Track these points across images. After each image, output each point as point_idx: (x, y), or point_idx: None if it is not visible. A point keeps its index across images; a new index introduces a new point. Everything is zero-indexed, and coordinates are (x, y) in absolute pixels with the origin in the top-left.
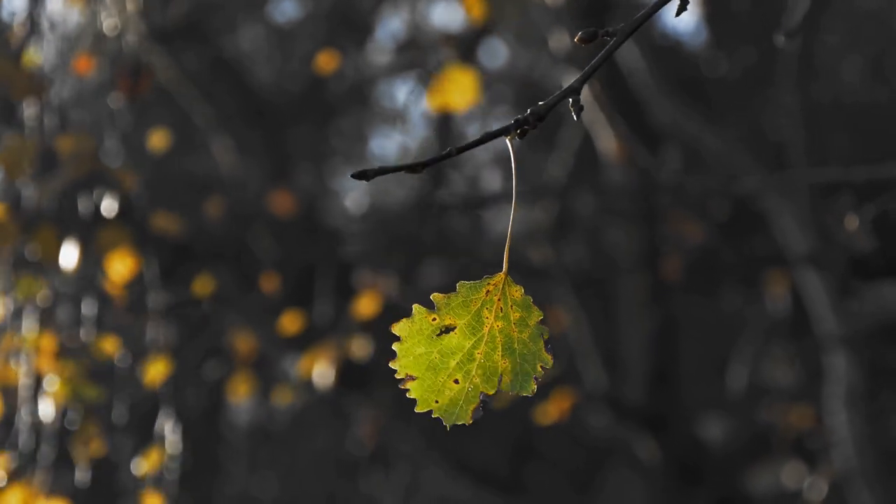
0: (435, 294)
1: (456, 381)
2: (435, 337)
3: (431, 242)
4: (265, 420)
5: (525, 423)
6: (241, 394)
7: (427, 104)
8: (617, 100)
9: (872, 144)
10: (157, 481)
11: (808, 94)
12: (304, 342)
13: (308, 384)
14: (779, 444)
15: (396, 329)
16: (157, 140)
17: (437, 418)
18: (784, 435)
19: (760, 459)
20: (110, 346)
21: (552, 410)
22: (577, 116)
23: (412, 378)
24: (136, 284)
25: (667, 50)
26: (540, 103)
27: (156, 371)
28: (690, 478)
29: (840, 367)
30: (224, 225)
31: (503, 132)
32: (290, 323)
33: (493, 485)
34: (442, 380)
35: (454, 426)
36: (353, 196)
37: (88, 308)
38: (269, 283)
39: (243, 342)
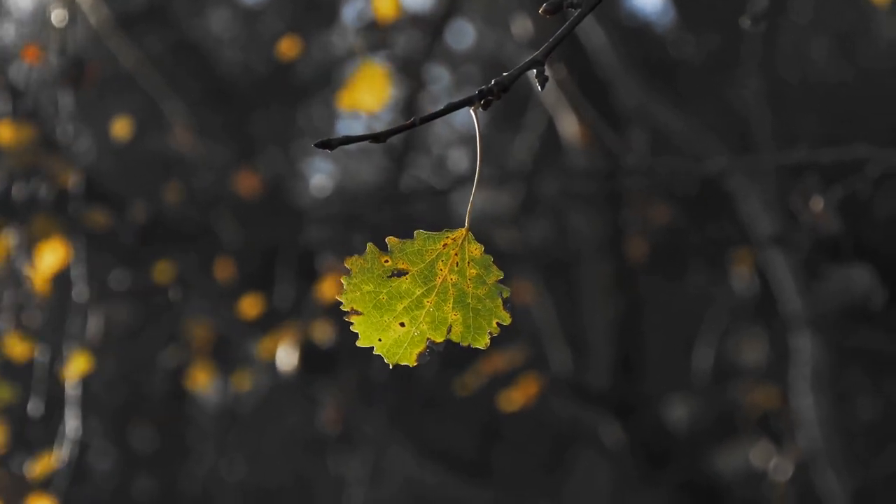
0: (390, 237)
1: (402, 325)
2: (385, 278)
3: (396, 226)
4: (232, 402)
5: (491, 406)
6: (200, 382)
7: (336, 103)
8: (582, 82)
9: (840, 125)
10: (48, 484)
11: (775, 75)
12: (267, 325)
13: (271, 367)
14: (745, 425)
15: (347, 262)
16: (120, 127)
17: (403, 403)
18: (750, 415)
19: (727, 441)
20: (22, 347)
21: (518, 396)
22: (542, 87)
23: (357, 313)
24: (66, 276)
25: (633, 31)
26: (504, 74)
27: (76, 367)
28: (657, 461)
29: (806, 349)
30: (187, 207)
31: (467, 102)
32: (251, 306)
33: (459, 469)
34: (387, 320)
35: (422, 408)
36: (319, 179)
37: (9, 298)
38: (225, 270)
39: (202, 330)
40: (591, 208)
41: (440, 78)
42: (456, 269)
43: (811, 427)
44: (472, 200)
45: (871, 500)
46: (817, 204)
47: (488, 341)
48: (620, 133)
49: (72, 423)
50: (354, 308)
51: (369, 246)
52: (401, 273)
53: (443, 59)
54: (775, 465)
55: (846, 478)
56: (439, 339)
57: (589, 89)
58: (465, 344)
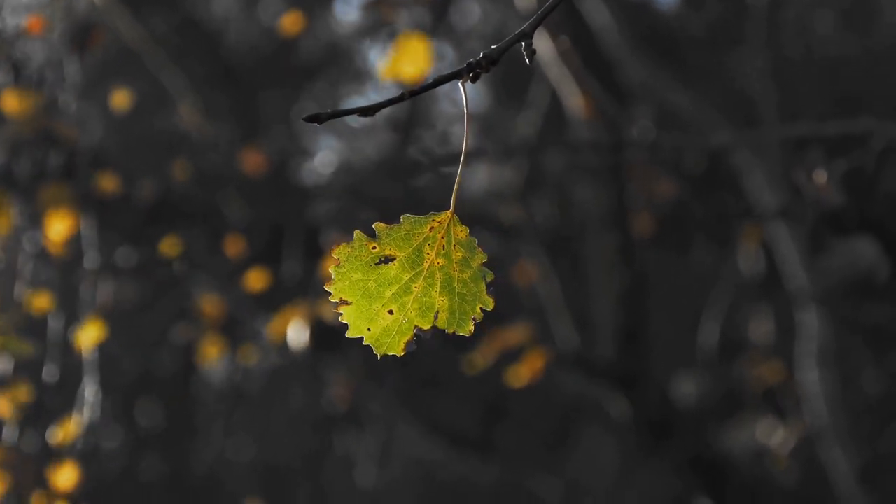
0: (377, 223)
1: (390, 312)
2: (373, 265)
3: (402, 201)
4: (240, 381)
5: (497, 383)
6: (210, 357)
7: (380, 74)
8: (586, 58)
9: (845, 100)
10: (72, 450)
11: (779, 49)
12: (274, 303)
13: (282, 345)
14: (750, 400)
15: (335, 252)
16: (120, 99)
17: (410, 381)
18: (755, 391)
19: (733, 416)
20: (43, 302)
21: (524, 371)
22: (530, 60)
23: (346, 303)
24: (76, 244)
25: (637, 7)
26: (493, 47)
27: (89, 334)
28: (662, 435)
29: (812, 324)
30: (193, 185)
31: (455, 76)
32: (256, 281)
33: (465, 445)
34: (376, 308)
35: (433, 387)
36: (324, 155)
37: (24, 263)
38: (235, 246)
39: (211, 304)
40: (596, 182)
41: (445, 55)
42: (443, 252)
43: (817, 402)
44: (457, 181)
45: (878, 476)
46: (821, 177)
47: (472, 328)
48: (625, 109)
49: (91, 387)
50: (343, 298)
51: (356, 233)
52: (388, 259)
53: (447, 36)
54: (781, 440)
55: (852, 453)
56: (426, 327)
57: (594, 65)
58: (450, 331)
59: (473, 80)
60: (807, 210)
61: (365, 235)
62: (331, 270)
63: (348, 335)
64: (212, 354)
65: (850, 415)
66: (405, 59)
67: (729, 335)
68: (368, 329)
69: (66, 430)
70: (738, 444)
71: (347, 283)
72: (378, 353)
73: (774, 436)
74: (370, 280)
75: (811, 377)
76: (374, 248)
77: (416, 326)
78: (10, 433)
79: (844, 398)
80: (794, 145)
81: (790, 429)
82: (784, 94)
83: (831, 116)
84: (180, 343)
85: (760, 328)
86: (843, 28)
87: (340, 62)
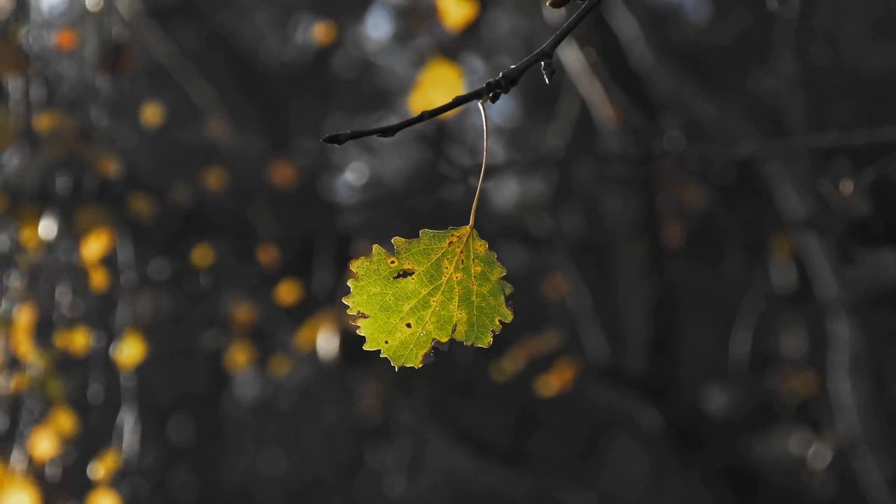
0: (397, 238)
1: (408, 325)
2: (392, 279)
3: (431, 213)
4: (270, 395)
5: (527, 393)
6: (239, 364)
7: (409, 104)
8: (615, 69)
9: (873, 108)
10: (114, 483)
11: (807, 58)
12: (304, 314)
13: (311, 356)
14: (783, 411)
15: (354, 266)
16: (151, 114)
17: (440, 391)
18: (788, 402)
19: (765, 427)
20: (82, 337)
21: (554, 382)
22: (549, 80)
23: (364, 316)
24: (112, 264)
25: (665, 18)
26: (512, 66)
27: (129, 354)
28: (693, 446)
29: (843, 333)
30: (224, 197)
31: (475, 96)
32: (287, 293)
33: (496, 456)
34: (394, 321)
35: (463, 398)
36: (354, 167)
37: (64, 294)
38: (267, 255)
39: (242, 312)
40: (626, 193)
41: (475, 69)
42: (461, 266)
43: (850, 413)
44: (476, 197)
45: None
46: (848, 187)
47: (491, 340)
48: (654, 120)
49: (129, 416)
50: (361, 311)
51: (375, 248)
52: (407, 273)
53: (477, 49)
54: (814, 451)
55: (885, 462)
56: (444, 339)
57: (622, 77)
58: (468, 343)
59: (493, 100)
60: (835, 220)
61: (384, 250)
62: (349, 284)
63: (365, 347)
64: (241, 361)
65: (883, 424)
66: (435, 88)
67: (760, 345)
68: (386, 342)
69: (107, 464)
70: (770, 455)
71: (365, 296)
72: (395, 365)
73: (808, 447)
74: (388, 294)
75: (843, 387)
76: (393, 262)
77: (434, 339)
78: (54, 468)
79: (877, 407)
80: (822, 154)
81: (824, 440)
82: (812, 103)
83: (859, 126)
84: (211, 352)
85: (792, 338)
86: (871, 37)
87: (370, 76)
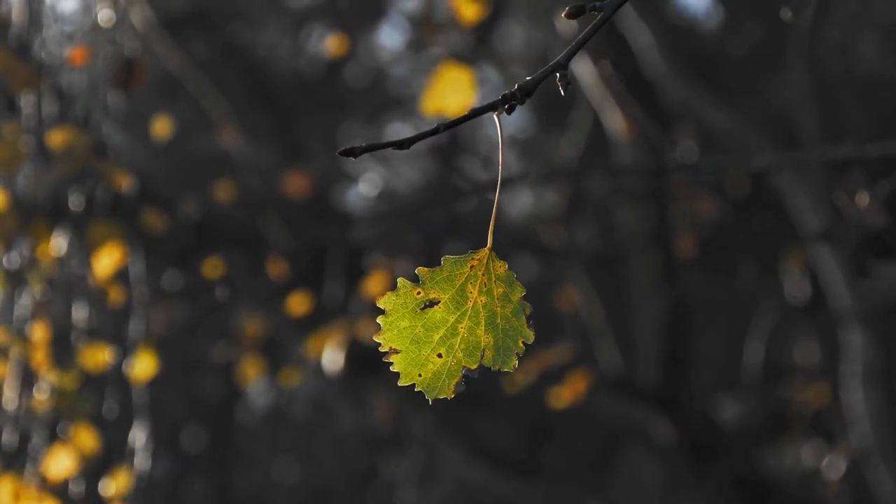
0: (420, 268)
1: (439, 356)
2: (419, 311)
3: (444, 225)
4: (283, 405)
5: (539, 404)
6: (250, 377)
7: (421, 108)
8: (628, 81)
9: (888, 118)
10: (127, 500)
11: (820, 69)
12: (315, 325)
13: (320, 368)
14: (796, 422)
15: (381, 302)
16: (162, 127)
17: (452, 402)
18: (801, 413)
19: (778, 438)
20: (100, 353)
21: (567, 393)
22: (564, 91)
23: (396, 351)
24: (124, 279)
25: (678, 29)
26: (528, 78)
27: (142, 368)
28: (706, 457)
29: (856, 344)
30: (235, 208)
31: (490, 108)
32: (298, 304)
33: (508, 467)
34: (426, 353)
35: (475, 409)
36: (367, 178)
37: (80, 311)
38: (277, 268)
39: (252, 325)
40: (639, 205)
41: (488, 79)
42: (484, 289)
43: (863, 423)
44: (493, 216)
45: None
46: (864, 199)
47: (516, 363)
48: (667, 132)
49: (141, 434)
50: (393, 347)
51: (400, 280)
52: (433, 303)
53: (491, 60)
54: (828, 462)
55: None
56: (474, 366)
57: (636, 88)
58: (495, 368)
59: (509, 112)
60: (849, 232)
61: (409, 282)
62: (378, 321)
63: (401, 383)
64: (251, 375)
65: None
66: (447, 91)
67: (773, 356)
68: (420, 374)
69: (119, 483)
70: (784, 465)
71: (396, 331)
72: (430, 398)
73: (821, 458)
74: (417, 326)
75: (856, 397)
76: (419, 293)
77: (464, 367)
78: (77, 486)
79: (890, 418)
80: (836, 166)
81: (837, 451)
82: (826, 114)
83: (874, 137)
84: (222, 364)
85: (805, 349)
86: (885, 48)
87: (384, 87)
